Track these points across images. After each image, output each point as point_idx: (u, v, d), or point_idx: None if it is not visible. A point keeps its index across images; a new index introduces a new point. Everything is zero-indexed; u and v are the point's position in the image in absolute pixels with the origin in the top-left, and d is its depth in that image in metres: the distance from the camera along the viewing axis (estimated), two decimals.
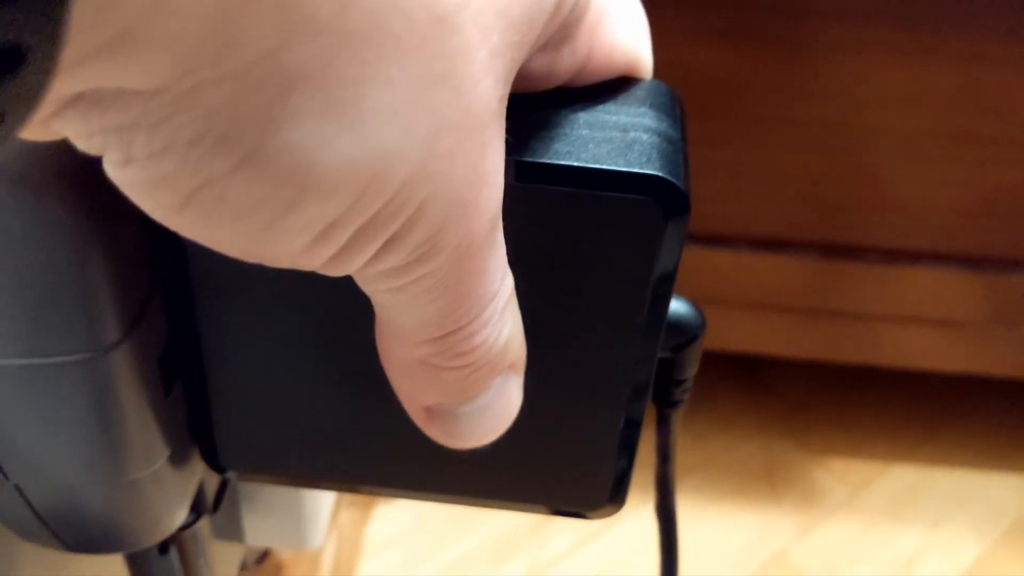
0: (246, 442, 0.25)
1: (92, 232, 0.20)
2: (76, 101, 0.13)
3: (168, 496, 0.26)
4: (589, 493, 0.25)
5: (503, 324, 0.18)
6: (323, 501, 0.36)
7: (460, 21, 0.15)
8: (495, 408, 0.20)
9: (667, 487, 0.28)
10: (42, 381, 0.21)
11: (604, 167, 0.19)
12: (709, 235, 0.64)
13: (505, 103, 0.17)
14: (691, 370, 0.25)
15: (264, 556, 0.44)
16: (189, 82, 0.12)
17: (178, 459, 0.25)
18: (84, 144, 0.14)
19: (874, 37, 0.56)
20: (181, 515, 0.27)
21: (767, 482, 0.75)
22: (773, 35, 0.56)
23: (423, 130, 0.14)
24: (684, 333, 0.24)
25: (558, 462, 0.24)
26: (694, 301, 0.24)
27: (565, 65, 0.20)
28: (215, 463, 0.26)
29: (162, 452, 0.24)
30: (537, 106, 0.20)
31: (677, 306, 0.24)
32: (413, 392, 0.20)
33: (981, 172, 0.61)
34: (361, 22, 0.13)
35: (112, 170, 0.14)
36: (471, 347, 0.18)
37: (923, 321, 0.68)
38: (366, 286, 0.17)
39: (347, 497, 0.66)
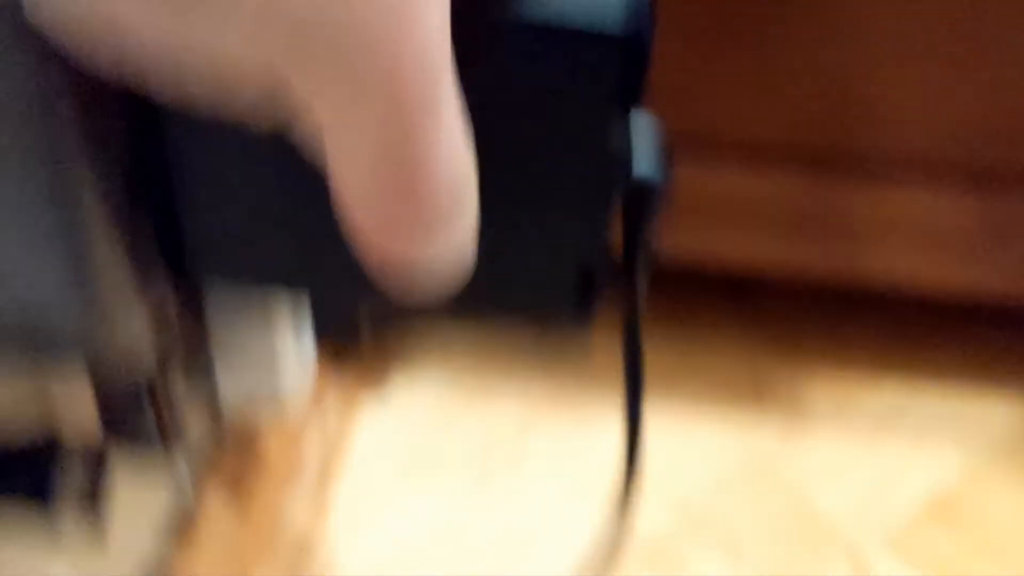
0: (215, 246, 0.26)
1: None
2: None
3: (134, 322, 0.26)
4: (555, 301, 0.26)
5: (453, 171, 0.18)
6: (302, 348, 0.36)
7: None
8: (445, 259, 0.20)
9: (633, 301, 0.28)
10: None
11: (559, 17, 0.20)
12: (699, 149, 0.63)
13: None
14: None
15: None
16: None
17: (143, 282, 0.25)
18: None
19: None
20: (147, 344, 0.27)
21: (752, 397, 0.76)
22: None
23: None
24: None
25: (526, 272, 0.26)
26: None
27: None
28: (179, 266, 0.26)
29: (127, 274, 0.24)
30: None
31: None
32: (364, 233, 0.20)
33: (988, 75, 0.59)
34: None
35: None
36: (418, 195, 0.18)
37: (914, 240, 0.67)
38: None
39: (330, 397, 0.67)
